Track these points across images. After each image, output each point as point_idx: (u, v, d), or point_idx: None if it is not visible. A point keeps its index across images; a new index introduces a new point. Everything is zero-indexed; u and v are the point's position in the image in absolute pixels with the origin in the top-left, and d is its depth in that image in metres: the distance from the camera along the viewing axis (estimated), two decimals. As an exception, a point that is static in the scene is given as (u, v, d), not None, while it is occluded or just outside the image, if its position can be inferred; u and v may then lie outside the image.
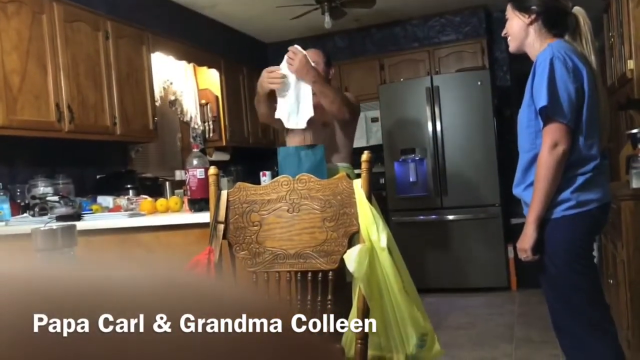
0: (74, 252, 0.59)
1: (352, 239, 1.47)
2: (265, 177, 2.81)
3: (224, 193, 1.58)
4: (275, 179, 1.63)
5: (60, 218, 2.71)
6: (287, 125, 2.56)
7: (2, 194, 2.93)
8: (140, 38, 3.85)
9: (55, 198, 2.99)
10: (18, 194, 3.12)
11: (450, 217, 4.52)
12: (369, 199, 1.43)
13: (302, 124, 2.53)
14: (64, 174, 3.37)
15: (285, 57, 2.48)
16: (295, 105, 2.52)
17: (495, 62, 5.29)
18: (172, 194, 4.02)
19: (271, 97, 2.59)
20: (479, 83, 4.43)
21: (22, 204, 3.06)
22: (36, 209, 2.90)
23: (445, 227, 4.53)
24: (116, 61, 3.60)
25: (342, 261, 1.44)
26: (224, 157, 4.99)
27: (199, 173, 2.47)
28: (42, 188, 3.15)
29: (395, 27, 5.42)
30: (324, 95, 2.53)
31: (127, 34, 3.72)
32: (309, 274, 1.50)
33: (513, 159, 2.19)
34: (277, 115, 2.55)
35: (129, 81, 3.70)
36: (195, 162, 2.52)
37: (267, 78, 2.51)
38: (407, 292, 1.39)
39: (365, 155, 1.46)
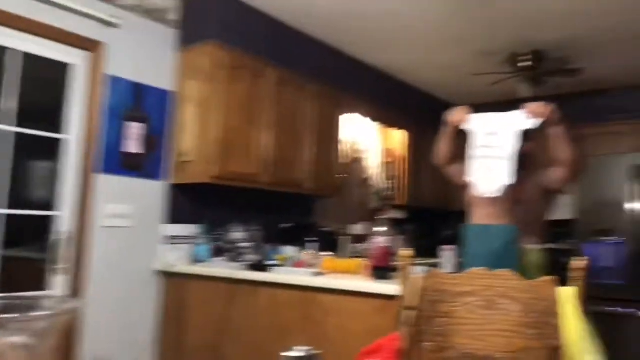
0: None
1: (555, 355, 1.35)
2: (448, 252, 2.71)
3: (418, 279, 1.56)
4: (470, 270, 1.57)
5: (251, 266, 2.93)
6: (478, 190, 2.41)
7: (205, 238, 3.27)
8: (335, 99, 4.09)
9: (247, 244, 3.26)
10: (219, 237, 3.45)
11: (653, 313, 3.93)
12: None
13: (495, 191, 2.35)
14: (256, 221, 3.65)
15: (513, 113, 2.42)
16: (493, 168, 2.35)
17: None
18: (348, 248, 4.14)
19: (459, 158, 2.57)
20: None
21: (221, 246, 3.37)
22: (231, 254, 3.18)
23: (645, 324, 3.95)
24: (311, 120, 3.86)
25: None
26: (400, 215, 4.99)
27: (384, 241, 2.50)
28: (237, 234, 3.44)
29: (597, 97, 5.05)
30: (563, 150, 2.44)
31: (325, 95, 3.98)
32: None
33: None
34: (467, 177, 2.45)
35: (322, 139, 3.93)
36: (380, 229, 2.56)
37: (457, 112, 2.54)
38: None
39: (579, 262, 1.34)
